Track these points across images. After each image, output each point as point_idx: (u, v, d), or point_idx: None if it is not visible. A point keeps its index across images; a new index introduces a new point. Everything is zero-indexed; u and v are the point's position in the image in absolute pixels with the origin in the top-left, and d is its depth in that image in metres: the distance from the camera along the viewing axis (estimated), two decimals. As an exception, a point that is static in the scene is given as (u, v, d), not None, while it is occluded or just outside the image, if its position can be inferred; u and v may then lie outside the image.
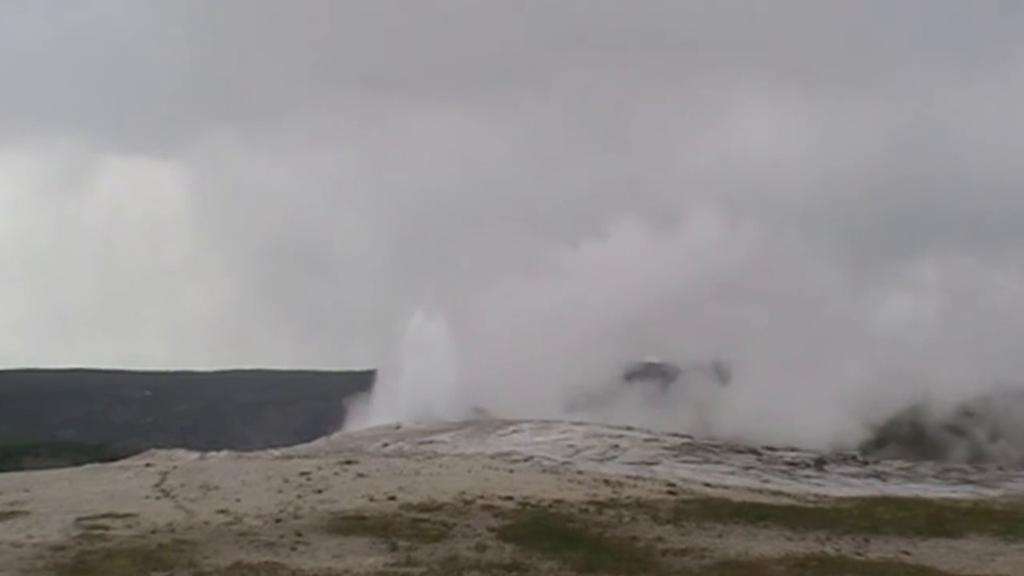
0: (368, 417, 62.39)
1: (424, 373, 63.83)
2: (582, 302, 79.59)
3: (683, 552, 25.41)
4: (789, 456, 51.73)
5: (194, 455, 35.54)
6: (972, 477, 51.23)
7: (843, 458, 54.96)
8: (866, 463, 54.33)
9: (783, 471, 47.72)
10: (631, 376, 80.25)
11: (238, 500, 27.93)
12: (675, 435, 53.50)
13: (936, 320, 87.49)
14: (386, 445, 48.00)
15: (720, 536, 26.93)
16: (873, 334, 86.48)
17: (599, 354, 74.58)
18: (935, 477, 49.52)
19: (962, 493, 43.55)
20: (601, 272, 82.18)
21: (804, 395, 77.89)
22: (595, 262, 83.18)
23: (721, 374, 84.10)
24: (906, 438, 79.37)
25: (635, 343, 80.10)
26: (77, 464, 40.03)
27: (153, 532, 25.44)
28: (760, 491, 36.23)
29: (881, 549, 26.44)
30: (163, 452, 36.18)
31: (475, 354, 68.27)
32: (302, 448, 52.18)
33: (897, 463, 55.01)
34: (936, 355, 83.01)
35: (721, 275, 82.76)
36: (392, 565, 23.48)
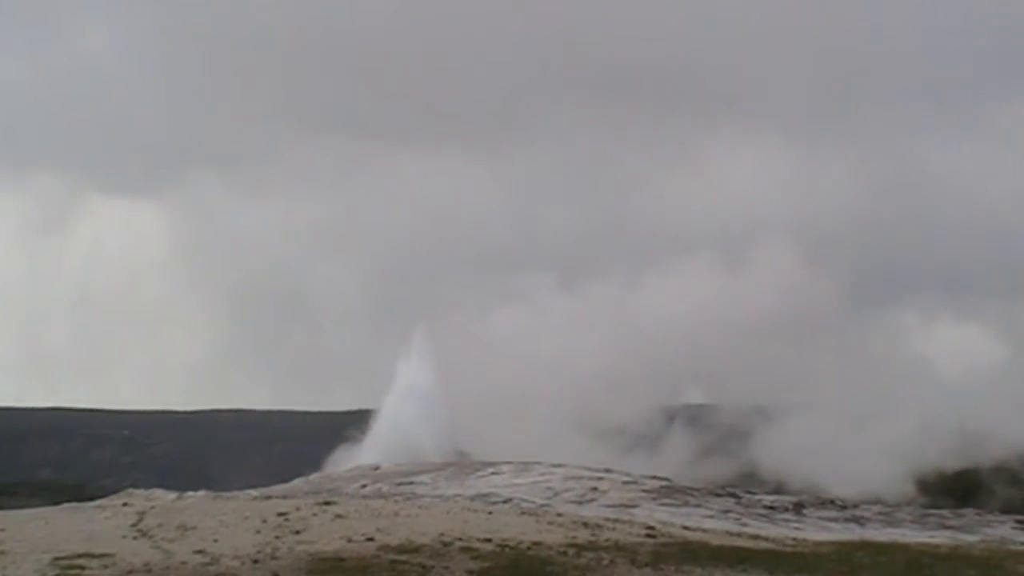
0: (347, 458, 62.41)
1: (409, 415, 63.88)
2: (569, 346, 79.83)
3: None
4: (768, 500, 51.82)
5: (172, 495, 35.47)
6: (950, 522, 51.42)
7: (821, 502, 55.07)
8: (844, 507, 54.48)
9: (762, 515, 47.78)
10: (672, 417, 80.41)
11: (216, 540, 27.84)
12: (654, 478, 53.49)
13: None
14: (364, 486, 47.96)
15: (700, 579, 26.94)
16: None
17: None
18: (913, 522, 49.66)
19: (940, 538, 43.69)
20: (590, 315, 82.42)
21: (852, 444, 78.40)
22: (581, 305, 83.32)
23: (764, 416, 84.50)
24: (955, 490, 78.91)
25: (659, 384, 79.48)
26: (55, 504, 40.00)
27: (130, 572, 25.39)
28: (739, 535, 36.24)
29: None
30: (141, 492, 36.11)
31: (460, 396, 68.46)
32: (280, 489, 52.18)
33: (876, 507, 55.12)
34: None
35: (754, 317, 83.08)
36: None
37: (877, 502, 60.31)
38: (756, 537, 35.92)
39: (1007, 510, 67.04)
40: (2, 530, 29.67)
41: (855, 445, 78.08)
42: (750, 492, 53.58)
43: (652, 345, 79.40)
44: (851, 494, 66.41)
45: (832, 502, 55.83)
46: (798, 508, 50.81)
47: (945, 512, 56.09)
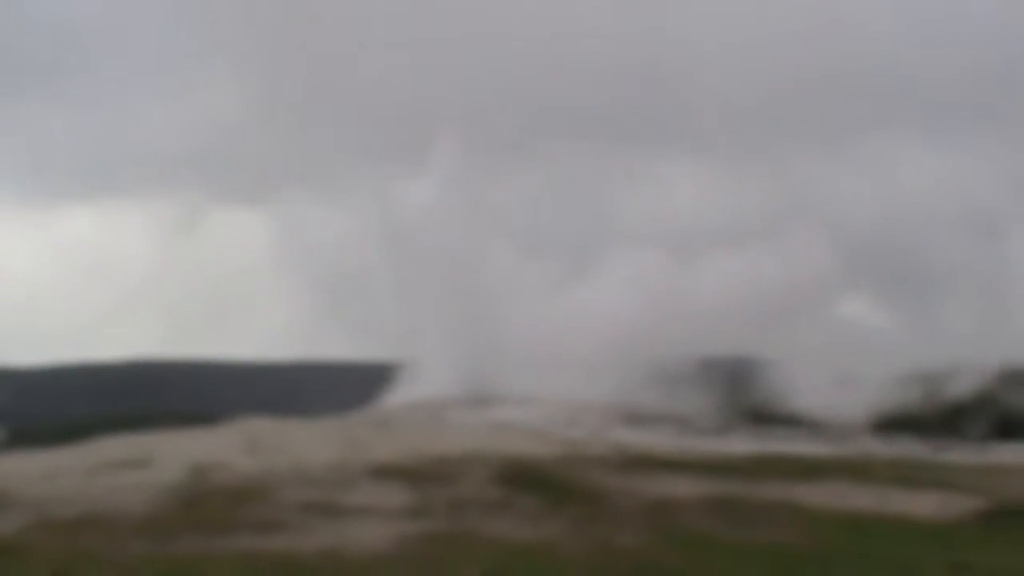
0: (397, 395, 62.20)
1: (442, 362, 63.48)
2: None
3: (625, 494, 25.63)
4: (702, 423, 51.90)
5: (271, 422, 35.47)
6: (834, 437, 51.43)
7: (742, 424, 55.05)
8: (759, 428, 54.51)
9: (696, 433, 47.92)
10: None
11: (302, 454, 28.06)
12: (623, 407, 53.51)
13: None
14: (410, 415, 47.97)
15: (651, 482, 27.10)
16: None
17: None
18: (808, 437, 49.66)
19: (823, 448, 43.80)
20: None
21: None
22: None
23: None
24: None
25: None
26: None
27: (243, 477, 25.60)
28: (681, 449, 36.38)
29: (768, 492, 26.66)
30: (249, 419, 36.13)
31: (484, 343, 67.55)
32: (348, 417, 52.15)
33: (782, 428, 55.08)
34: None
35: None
36: (413, 502, 23.74)
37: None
38: (694, 451, 36.02)
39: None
40: (151, 447, 29.85)
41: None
42: (688, 418, 53.58)
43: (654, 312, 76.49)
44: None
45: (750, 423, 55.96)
46: (725, 429, 50.98)
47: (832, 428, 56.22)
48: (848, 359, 78.27)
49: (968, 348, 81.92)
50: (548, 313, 74.65)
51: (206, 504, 23.50)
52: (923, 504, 25.93)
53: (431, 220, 71.29)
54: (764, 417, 65.22)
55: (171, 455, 27.96)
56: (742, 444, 43.85)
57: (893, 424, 70.52)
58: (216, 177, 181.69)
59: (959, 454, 46.99)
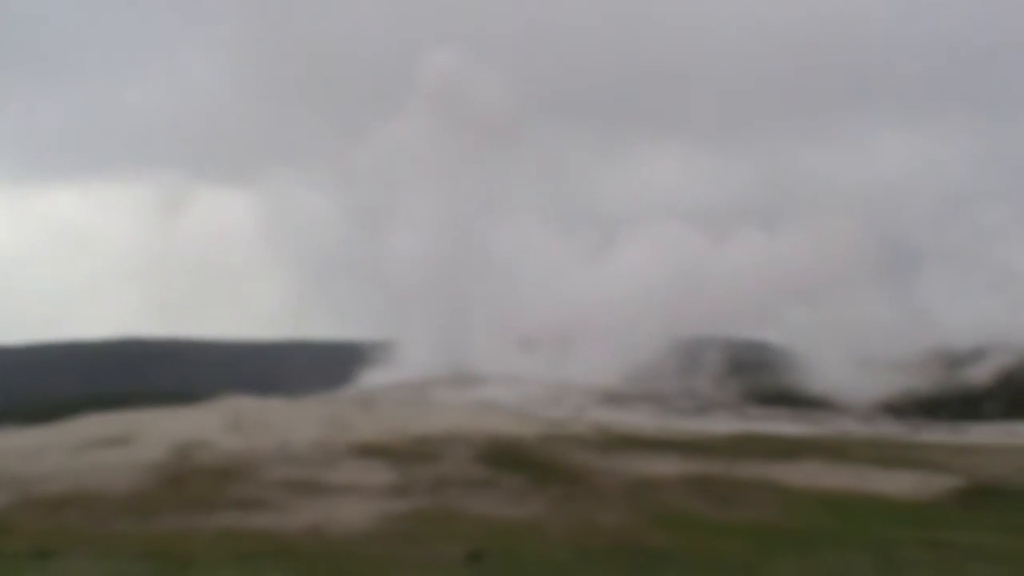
0: (381, 374, 62.14)
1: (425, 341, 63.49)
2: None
3: (606, 472, 25.70)
4: (682, 403, 51.89)
5: (255, 400, 35.44)
6: (810, 418, 51.52)
7: (722, 404, 55.06)
8: (737, 407, 54.55)
9: (676, 412, 47.94)
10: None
11: (288, 430, 28.06)
12: (601, 388, 53.48)
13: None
14: (393, 394, 47.94)
15: (632, 461, 27.16)
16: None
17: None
18: (787, 418, 49.72)
19: (800, 427, 43.93)
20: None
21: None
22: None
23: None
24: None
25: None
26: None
27: (227, 455, 25.61)
28: (662, 428, 36.44)
29: (746, 470, 26.71)
30: (233, 399, 36.07)
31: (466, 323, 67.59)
32: (332, 396, 52.17)
33: (759, 409, 55.12)
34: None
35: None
36: (395, 480, 23.79)
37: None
38: (674, 430, 36.08)
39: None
40: (133, 425, 29.78)
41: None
42: (668, 398, 53.61)
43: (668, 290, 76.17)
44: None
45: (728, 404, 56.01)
46: (704, 409, 50.92)
47: (807, 411, 56.31)
48: (866, 341, 78.81)
49: (986, 331, 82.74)
50: (565, 292, 74.91)
51: (190, 482, 23.53)
52: (900, 483, 26.02)
53: (414, 200, 71.14)
54: (779, 398, 65.46)
55: (155, 433, 27.93)
56: (723, 424, 43.95)
57: (907, 405, 71.00)
58: (201, 157, 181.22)
59: (937, 434, 47.15)
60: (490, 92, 73.80)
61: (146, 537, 19.21)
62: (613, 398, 50.56)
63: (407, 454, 26.12)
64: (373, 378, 61.03)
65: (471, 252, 70.77)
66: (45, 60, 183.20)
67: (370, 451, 26.23)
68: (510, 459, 26.12)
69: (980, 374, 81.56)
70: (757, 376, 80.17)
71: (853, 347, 78.84)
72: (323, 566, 16.75)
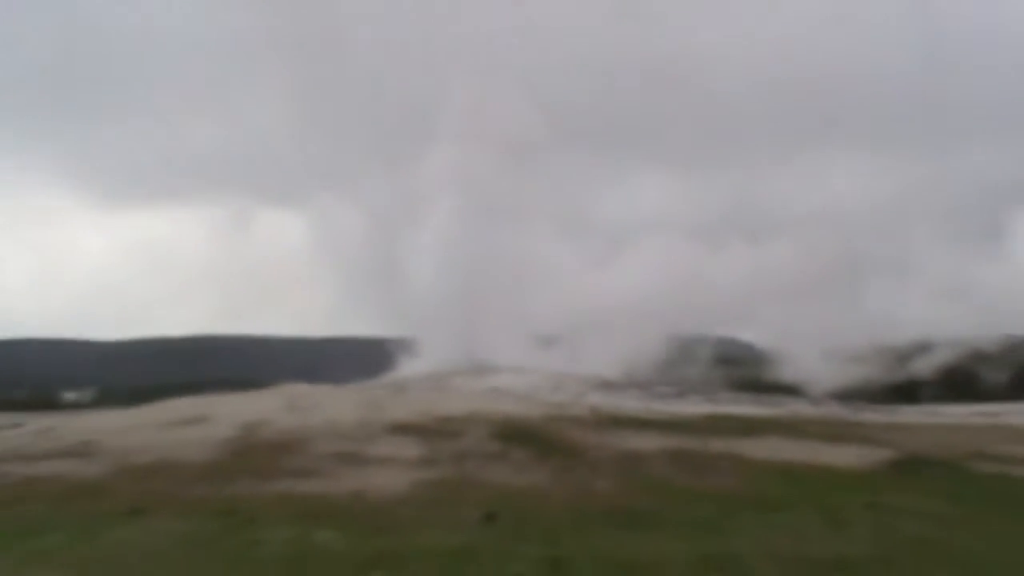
0: (411, 365, 62.25)
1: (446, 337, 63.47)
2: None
3: (599, 447, 25.76)
4: (662, 389, 51.89)
5: (308, 387, 35.55)
6: (768, 400, 51.55)
7: (695, 389, 55.04)
8: (709, 393, 54.47)
9: (660, 397, 47.95)
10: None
11: (334, 413, 28.17)
12: (598, 377, 53.52)
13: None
14: (421, 382, 48.02)
15: (620, 437, 27.21)
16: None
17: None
18: (750, 401, 49.74)
19: (762, 409, 43.93)
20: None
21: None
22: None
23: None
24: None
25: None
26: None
27: (283, 432, 25.74)
28: (646, 411, 36.44)
29: (716, 445, 26.78)
30: (289, 385, 36.21)
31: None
32: (370, 383, 52.22)
33: (728, 394, 55.15)
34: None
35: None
36: (424, 453, 23.89)
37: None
38: (655, 411, 36.10)
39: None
40: (207, 407, 29.91)
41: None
42: (650, 384, 53.58)
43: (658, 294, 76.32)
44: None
45: (700, 389, 55.98)
46: (681, 394, 50.92)
47: (765, 395, 56.33)
48: (830, 338, 79.10)
49: (929, 330, 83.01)
50: (573, 295, 74.94)
51: (253, 454, 23.68)
52: (844, 455, 26.08)
53: (441, 217, 71.14)
54: (755, 386, 65.65)
55: (225, 414, 28.10)
56: (697, 407, 44.00)
57: (860, 392, 71.37)
58: (259, 184, 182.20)
59: (876, 415, 47.21)
60: (510, 121, 73.93)
61: (218, 499, 19.36)
62: (606, 386, 50.57)
63: (433, 431, 26.21)
64: (404, 368, 61.17)
65: (490, 261, 70.82)
66: (135, 103, 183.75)
67: (402, 429, 26.33)
68: (519, 436, 26.16)
69: (923, 366, 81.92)
70: (738, 368, 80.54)
71: (818, 343, 79.19)
72: (364, 525, 16.86)
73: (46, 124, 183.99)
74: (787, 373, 77.80)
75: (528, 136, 74.23)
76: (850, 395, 67.42)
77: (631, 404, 40.85)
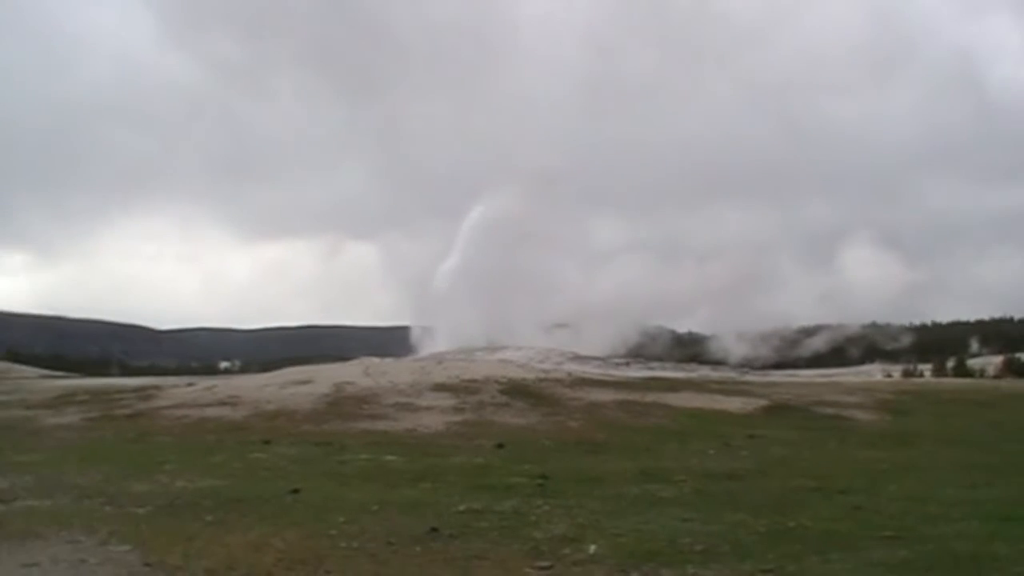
0: (444, 343, 61.91)
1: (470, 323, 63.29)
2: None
3: (572, 399, 25.78)
4: (616, 360, 51.89)
5: (377, 359, 35.52)
6: (685, 367, 51.57)
7: (637, 360, 55.00)
8: (645, 362, 54.42)
9: (615, 365, 47.94)
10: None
11: (396, 376, 28.21)
12: (572, 352, 53.43)
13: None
14: (454, 355, 48.02)
15: (588, 392, 27.18)
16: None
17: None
18: (673, 368, 49.77)
19: (681, 374, 43.90)
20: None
21: None
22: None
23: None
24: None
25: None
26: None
27: (363, 390, 25.76)
28: (604, 374, 36.42)
29: (650, 397, 26.80)
30: (366, 358, 36.21)
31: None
32: (418, 355, 52.25)
33: (659, 363, 55.12)
34: None
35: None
36: (455, 403, 23.92)
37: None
38: (611, 375, 36.07)
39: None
40: (314, 373, 29.94)
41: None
42: (609, 357, 53.52)
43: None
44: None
45: (641, 358, 55.94)
46: (628, 363, 50.92)
47: (685, 364, 56.28)
48: (746, 324, 79.56)
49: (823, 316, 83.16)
50: (569, 297, 74.74)
51: (342, 404, 23.69)
52: (733, 403, 26.13)
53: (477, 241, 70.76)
54: (695, 359, 65.63)
55: (323, 378, 28.12)
56: (639, 372, 43.99)
57: (760, 362, 71.72)
58: (347, 224, 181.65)
59: (756, 376, 47.23)
60: (520, 185, 73.75)
61: (319, 434, 19.43)
62: (577, 358, 50.55)
63: (461, 389, 26.17)
64: (443, 347, 61.14)
65: (511, 273, 70.30)
66: (268, 174, 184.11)
67: (441, 387, 26.28)
68: (519, 392, 26.14)
69: (817, 343, 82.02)
70: (685, 348, 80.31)
71: (737, 328, 79.36)
72: (416, 450, 16.94)
73: (212, 186, 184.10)
74: (716, 350, 77.81)
75: (535, 192, 73.90)
76: (754, 365, 67.54)
77: (594, 370, 40.85)
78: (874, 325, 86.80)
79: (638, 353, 64.54)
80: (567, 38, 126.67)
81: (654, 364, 53.19)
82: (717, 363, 65.09)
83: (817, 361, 76.95)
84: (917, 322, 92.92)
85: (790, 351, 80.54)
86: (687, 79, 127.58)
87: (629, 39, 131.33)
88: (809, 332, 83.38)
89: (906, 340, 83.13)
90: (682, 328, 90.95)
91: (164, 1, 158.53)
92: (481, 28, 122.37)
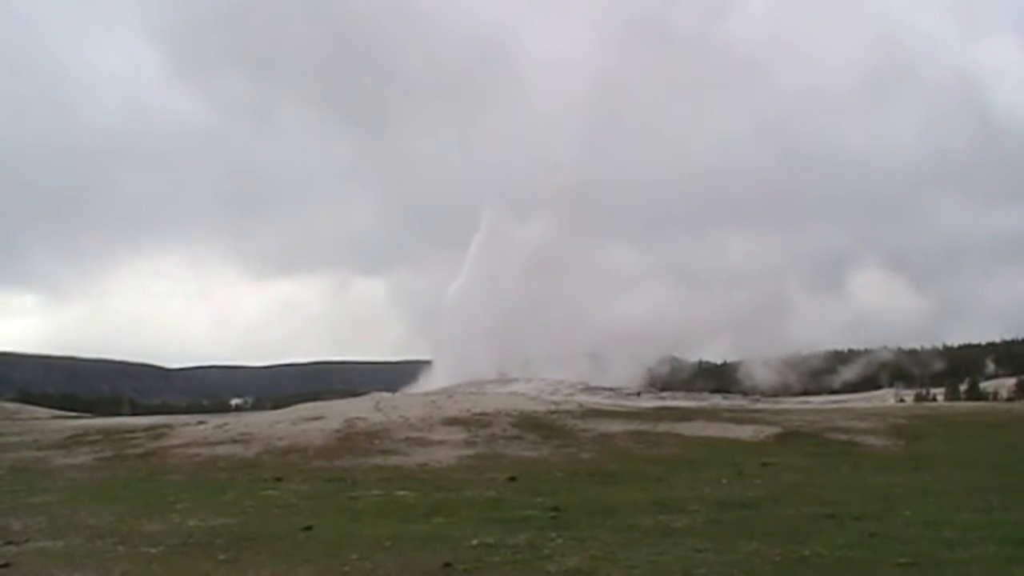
0: (455, 376, 61.65)
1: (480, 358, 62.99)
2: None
3: (584, 430, 25.70)
4: (627, 390, 51.62)
5: (388, 394, 35.46)
6: (697, 396, 51.24)
7: (648, 390, 54.71)
8: (657, 392, 54.14)
9: (625, 396, 47.72)
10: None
11: (407, 410, 28.13)
12: (582, 383, 53.17)
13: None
14: (465, 389, 47.88)
15: (599, 423, 27.07)
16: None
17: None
18: (684, 398, 49.45)
19: (692, 403, 43.63)
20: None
21: None
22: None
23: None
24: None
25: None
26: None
27: (374, 424, 25.69)
28: (615, 405, 36.26)
29: (662, 427, 26.61)
30: (376, 393, 36.15)
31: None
32: (429, 390, 52.14)
33: (670, 392, 54.84)
34: None
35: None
36: (467, 437, 23.82)
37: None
38: (622, 405, 35.89)
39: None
40: (324, 409, 29.87)
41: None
42: (618, 388, 53.19)
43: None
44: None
45: (651, 389, 55.58)
46: (639, 393, 50.62)
47: (692, 393, 55.92)
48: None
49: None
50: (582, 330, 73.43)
51: (354, 440, 23.63)
52: (746, 432, 25.95)
53: (484, 275, 70.44)
54: (721, 391, 64.81)
55: (335, 413, 28.08)
56: (650, 402, 43.78)
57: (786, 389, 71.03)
58: (356, 260, 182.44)
59: (767, 404, 46.94)
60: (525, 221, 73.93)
61: (331, 470, 19.37)
62: (589, 389, 50.35)
63: (473, 422, 26.10)
64: (453, 380, 61.00)
65: (522, 310, 70.03)
66: (276, 213, 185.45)
67: (452, 421, 26.22)
68: (530, 424, 26.06)
69: (845, 374, 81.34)
70: (710, 380, 79.35)
71: (763, 355, 78.88)
72: (428, 484, 16.86)
73: (222, 224, 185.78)
74: (742, 378, 77.04)
75: (543, 223, 74.06)
76: (783, 392, 66.85)
77: (605, 401, 40.67)
78: (900, 350, 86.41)
79: (664, 384, 63.88)
80: (572, 72, 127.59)
81: (665, 394, 52.96)
82: (747, 392, 64.03)
83: (851, 387, 76.19)
84: (928, 346, 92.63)
85: (818, 377, 79.82)
86: (692, 109, 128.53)
87: (633, 72, 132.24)
88: (842, 358, 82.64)
89: (936, 365, 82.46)
90: (698, 357, 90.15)
91: (172, 41, 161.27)
92: (486, 63, 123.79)
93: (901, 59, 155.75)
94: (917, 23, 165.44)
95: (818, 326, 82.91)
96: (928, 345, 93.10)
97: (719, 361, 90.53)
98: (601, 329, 72.85)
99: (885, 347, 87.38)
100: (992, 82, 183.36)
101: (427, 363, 71.83)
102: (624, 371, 64.63)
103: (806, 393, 68.15)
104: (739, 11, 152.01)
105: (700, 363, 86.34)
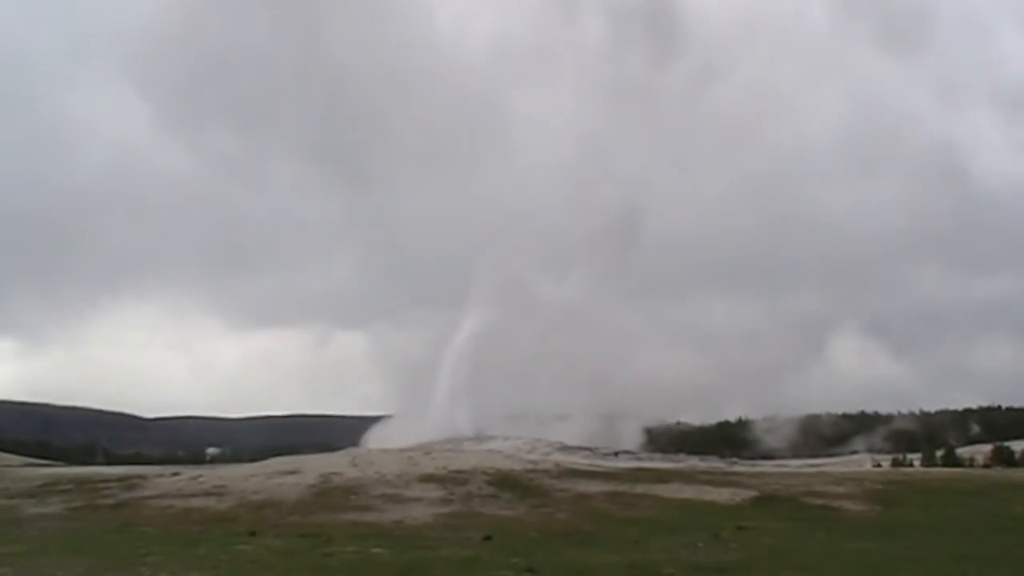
0: (437, 432, 60.89)
1: (460, 417, 62.38)
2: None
3: (560, 490, 25.50)
4: (604, 451, 51.27)
5: (364, 449, 35.07)
6: (673, 458, 50.98)
7: (626, 451, 54.36)
8: (635, 453, 53.82)
9: (603, 456, 47.39)
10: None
11: (383, 467, 27.85)
12: (560, 443, 52.70)
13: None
14: (442, 446, 47.40)
15: (576, 483, 26.87)
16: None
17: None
18: (661, 458, 49.22)
19: (669, 464, 43.41)
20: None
21: None
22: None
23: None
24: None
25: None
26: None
27: (350, 480, 25.40)
28: (593, 465, 35.99)
29: (638, 488, 26.45)
30: (352, 448, 35.77)
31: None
32: (405, 446, 51.62)
33: (647, 453, 54.53)
34: None
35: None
36: (443, 495, 23.59)
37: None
38: (600, 466, 35.66)
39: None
40: (300, 463, 29.50)
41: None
42: (597, 448, 52.82)
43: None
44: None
45: (628, 451, 55.11)
46: (617, 454, 50.30)
47: (671, 454, 55.52)
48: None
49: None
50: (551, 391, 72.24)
51: (329, 495, 23.33)
52: (722, 494, 25.81)
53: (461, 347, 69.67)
54: (737, 453, 63.63)
55: (310, 468, 27.72)
56: (626, 463, 43.49)
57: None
58: (336, 314, 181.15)
59: (743, 467, 46.76)
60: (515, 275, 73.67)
61: (306, 525, 19.07)
62: (564, 448, 49.97)
63: (449, 480, 25.84)
64: (430, 437, 60.27)
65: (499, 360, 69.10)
66: (259, 267, 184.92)
67: (429, 478, 25.94)
68: (507, 483, 25.80)
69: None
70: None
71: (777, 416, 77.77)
72: (403, 542, 16.64)
73: (203, 275, 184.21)
74: (764, 441, 75.44)
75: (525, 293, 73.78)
76: (801, 455, 65.51)
77: (582, 461, 40.37)
78: (877, 415, 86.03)
79: (669, 447, 62.58)
80: (559, 134, 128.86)
81: (642, 455, 52.60)
82: (765, 457, 62.64)
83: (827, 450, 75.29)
84: (906, 411, 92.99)
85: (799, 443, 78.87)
86: (677, 172, 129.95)
87: (621, 137, 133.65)
88: (818, 422, 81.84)
89: (913, 430, 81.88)
90: (701, 420, 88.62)
91: (160, 92, 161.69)
92: (474, 123, 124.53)
93: (884, 129, 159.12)
94: (899, 94, 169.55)
95: (799, 389, 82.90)
96: (905, 410, 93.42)
97: (696, 423, 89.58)
98: (598, 389, 71.67)
99: (863, 411, 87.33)
100: (971, 152, 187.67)
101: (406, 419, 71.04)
102: (625, 434, 63.89)
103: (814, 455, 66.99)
104: (725, 78, 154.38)
105: (679, 423, 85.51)
